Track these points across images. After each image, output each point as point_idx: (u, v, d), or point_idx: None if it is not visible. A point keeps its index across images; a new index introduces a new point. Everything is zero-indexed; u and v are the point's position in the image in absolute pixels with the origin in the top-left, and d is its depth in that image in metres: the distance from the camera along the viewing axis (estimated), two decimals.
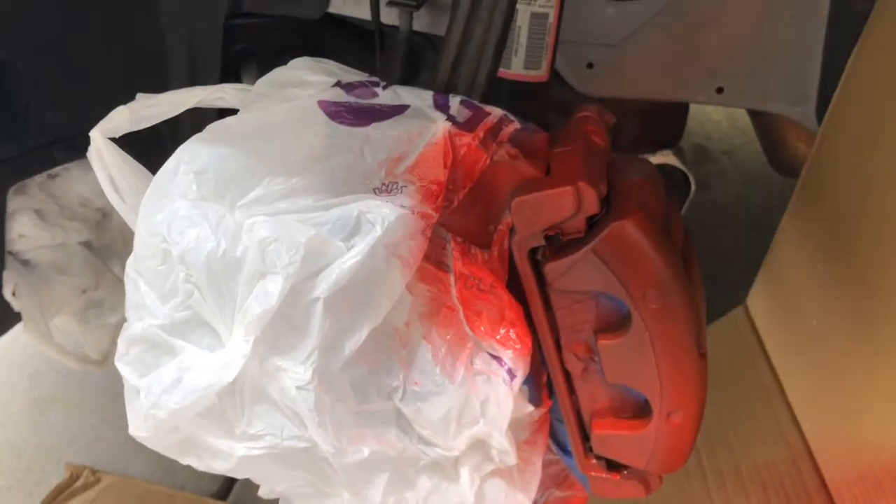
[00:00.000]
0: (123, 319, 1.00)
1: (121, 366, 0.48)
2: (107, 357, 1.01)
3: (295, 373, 0.46)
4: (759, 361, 0.91)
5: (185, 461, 0.49)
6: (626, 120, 0.98)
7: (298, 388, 0.46)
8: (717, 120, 1.98)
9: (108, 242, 1.01)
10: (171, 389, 0.45)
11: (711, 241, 1.56)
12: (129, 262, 0.49)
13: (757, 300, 0.97)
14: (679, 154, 0.99)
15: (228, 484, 1.14)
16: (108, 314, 1.00)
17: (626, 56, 0.87)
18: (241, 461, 0.47)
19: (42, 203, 0.92)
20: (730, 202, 1.75)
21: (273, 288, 0.45)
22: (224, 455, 0.47)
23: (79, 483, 1.11)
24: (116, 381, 1.31)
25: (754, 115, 1.10)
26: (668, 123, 0.99)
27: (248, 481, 1.12)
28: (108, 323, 1.00)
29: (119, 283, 1.03)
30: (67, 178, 0.93)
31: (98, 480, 1.12)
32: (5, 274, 0.87)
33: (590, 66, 0.88)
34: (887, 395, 0.65)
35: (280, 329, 0.47)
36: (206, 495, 1.12)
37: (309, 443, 0.47)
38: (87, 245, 0.99)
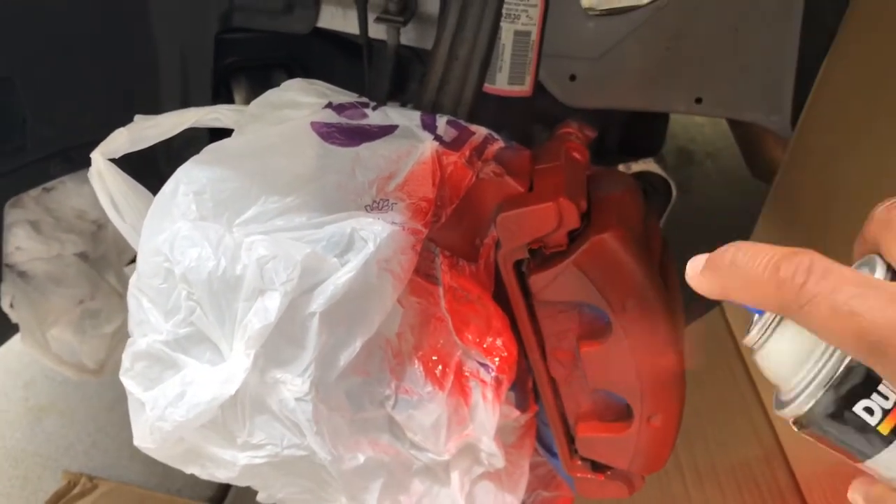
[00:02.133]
0: (119, 329, 1.03)
1: (126, 380, 0.50)
2: (103, 366, 1.03)
3: (293, 385, 0.49)
4: (735, 363, 0.94)
5: (189, 470, 0.51)
6: (610, 129, 1.01)
7: (297, 399, 0.49)
8: (700, 123, 2.01)
9: (103, 254, 1.03)
10: (176, 403, 0.47)
11: (695, 243, 1.59)
12: (132, 280, 0.52)
13: None
14: (661, 161, 1.02)
15: (224, 489, 1.16)
16: (104, 324, 1.02)
17: (608, 68, 0.90)
18: (244, 470, 0.50)
19: (38, 215, 0.94)
20: (713, 204, 1.79)
21: (272, 304, 0.47)
22: (227, 464, 0.50)
23: (76, 490, 1.13)
24: (112, 390, 1.32)
25: (733, 123, 1.13)
26: (649, 132, 1.02)
27: (243, 488, 1.14)
28: (104, 332, 1.02)
29: (114, 293, 1.04)
30: (63, 191, 0.94)
31: (95, 487, 1.13)
32: (3, 286, 0.89)
33: (572, 78, 0.91)
34: None
35: (278, 343, 0.49)
36: (203, 500, 1.14)
37: (308, 451, 0.50)
38: (82, 256, 1.00)
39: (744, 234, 1.00)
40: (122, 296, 1.04)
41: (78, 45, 0.81)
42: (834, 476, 0.68)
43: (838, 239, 0.75)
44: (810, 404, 0.32)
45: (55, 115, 0.83)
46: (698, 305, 1.07)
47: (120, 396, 1.26)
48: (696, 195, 1.80)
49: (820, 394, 0.32)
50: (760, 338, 0.34)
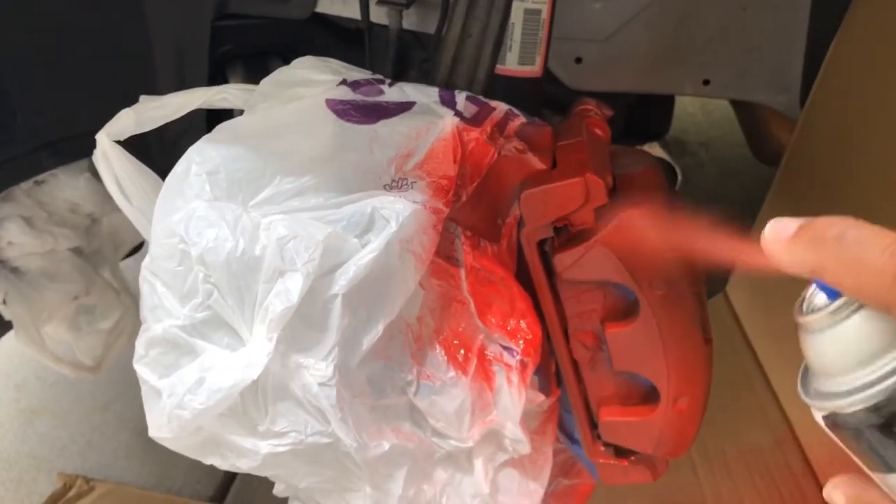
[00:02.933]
0: (116, 325, 1.00)
1: (140, 367, 0.48)
2: (100, 363, 1.00)
3: (317, 369, 0.47)
4: (741, 348, 0.93)
5: (208, 461, 0.49)
6: (615, 113, 1.00)
7: (320, 384, 0.47)
8: (692, 113, 2.01)
9: (97, 248, 1.00)
10: (195, 389, 0.45)
11: None
12: (145, 263, 0.49)
13: (737, 288, 0.99)
14: (666, 146, 1.01)
15: (224, 489, 1.14)
16: (99, 320, 0.99)
17: (614, 51, 0.88)
18: (266, 459, 0.47)
19: (30, 210, 0.91)
20: (707, 193, 1.78)
21: (293, 286, 0.45)
22: (249, 453, 0.47)
23: (72, 492, 1.10)
24: (106, 389, 1.29)
25: (737, 105, 1.13)
26: (655, 116, 1.01)
27: (244, 485, 1.12)
28: (100, 329, 1.00)
29: (110, 288, 1.02)
30: (55, 185, 0.92)
31: (92, 489, 1.10)
32: None
33: (579, 60, 0.89)
34: None
35: (299, 326, 0.47)
36: (203, 499, 1.11)
37: (332, 438, 0.48)
38: (76, 251, 0.98)
39: (739, 223, 0.99)
40: (117, 291, 1.02)
41: (68, 34, 0.79)
42: (850, 462, 0.67)
43: (849, 214, 0.74)
44: (862, 406, 0.29)
45: (45, 105, 0.80)
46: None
47: (114, 396, 1.24)
48: (691, 184, 1.79)
49: (880, 399, 0.28)
50: (830, 321, 0.30)
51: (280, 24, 0.94)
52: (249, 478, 1.14)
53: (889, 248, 0.27)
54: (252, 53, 0.99)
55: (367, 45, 0.88)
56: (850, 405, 0.29)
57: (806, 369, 0.33)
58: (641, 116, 1.00)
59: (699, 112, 2.00)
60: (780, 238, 0.30)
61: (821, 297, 0.31)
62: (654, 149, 0.99)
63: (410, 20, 0.88)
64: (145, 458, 1.16)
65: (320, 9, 0.91)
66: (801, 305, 0.33)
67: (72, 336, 0.97)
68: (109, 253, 1.01)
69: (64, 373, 0.94)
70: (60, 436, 1.21)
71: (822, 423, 0.32)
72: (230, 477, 1.13)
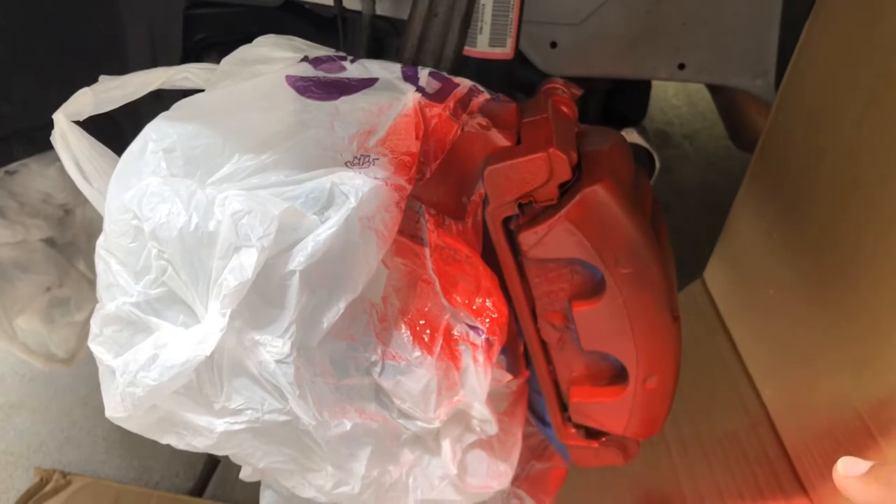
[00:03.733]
0: (90, 317, 0.99)
1: (94, 346, 0.47)
2: (74, 355, 0.99)
3: (273, 346, 0.46)
4: (717, 332, 0.93)
5: (164, 440, 0.48)
6: (591, 98, 1.00)
7: (278, 361, 0.46)
8: (677, 105, 2.01)
9: (71, 239, 0.99)
10: (148, 366, 0.44)
11: (674, 224, 1.59)
12: (100, 241, 0.49)
13: (714, 272, 0.99)
14: (643, 132, 1.00)
15: (204, 480, 1.13)
16: (74, 312, 0.98)
17: (589, 35, 0.88)
18: (222, 437, 0.47)
19: (1, 199, 0.90)
20: (692, 185, 1.78)
21: (248, 261, 0.44)
22: (204, 431, 0.47)
23: (49, 487, 1.09)
24: (84, 384, 1.28)
25: (715, 91, 1.12)
26: (631, 101, 1.00)
27: (223, 477, 1.11)
28: (74, 320, 0.98)
29: (84, 280, 1.01)
30: (27, 174, 0.91)
31: (69, 483, 1.09)
32: None
33: (553, 45, 0.89)
34: (843, 358, 0.67)
35: (256, 303, 0.46)
36: (182, 492, 1.10)
37: (290, 416, 0.47)
38: (49, 242, 0.97)
39: (721, 213, 0.99)
40: (92, 282, 1.00)
41: (36, 20, 0.78)
42: (823, 439, 0.67)
43: (823, 203, 0.74)
44: None
45: (15, 92, 0.79)
46: (684, 283, 1.06)
47: (93, 390, 1.23)
48: (675, 176, 1.79)
49: None
50: None
51: (254, 12, 0.94)
52: (228, 471, 1.14)
53: None
54: (227, 42, 0.98)
55: (340, 31, 0.88)
56: None
57: None
58: (618, 102, 0.99)
59: (684, 105, 2.00)
60: (851, 475, 0.35)
61: None
62: (631, 135, 0.98)
63: (384, 6, 0.87)
64: (124, 453, 1.15)
65: None
66: None
67: (45, 328, 0.96)
68: (84, 244, 1.00)
69: (37, 365, 0.93)
70: (39, 431, 1.20)
71: None
72: (209, 470, 1.13)
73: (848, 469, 0.36)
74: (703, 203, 1.70)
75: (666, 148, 1.88)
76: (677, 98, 2.01)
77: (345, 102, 0.53)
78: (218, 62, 0.97)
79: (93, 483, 1.10)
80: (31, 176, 0.91)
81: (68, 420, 1.21)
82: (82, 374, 1.21)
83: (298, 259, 0.47)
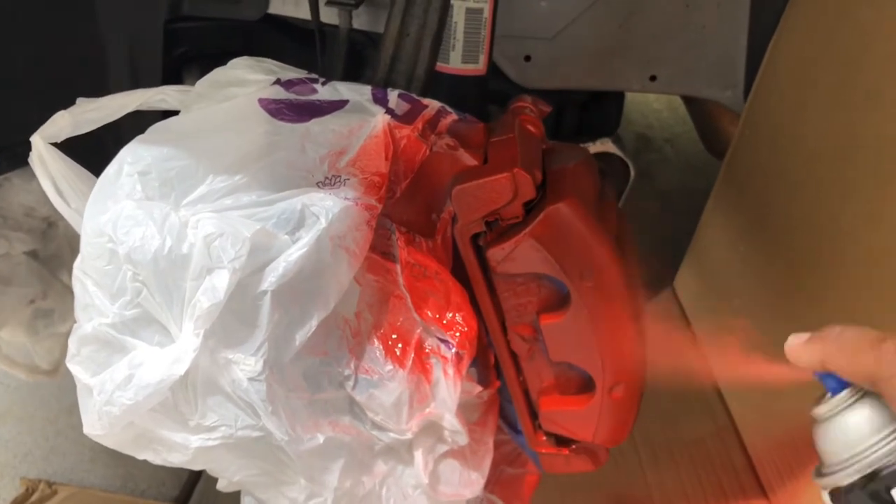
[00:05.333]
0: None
1: (72, 366, 0.49)
2: (58, 367, 1.00)
3: (246, 365, 0.47)
4: (686, 341, 0.95)
5: (141, 456, 0.50)
6: (566, 110, 1.01)
7: (250, 379, 0.47)
8: (658, 109, 2.03)
9: (54, 252, 1.00)
10: (124, 386, 0.45)
11: (655, 228, 1.61)
12: (77, 263, 0.50)
13: (683, 281, 1.01)
14: (618, 142, 1.02)
15: (189, 489, 1.14)
16: (58, 323, 0.99)
17: (562, 48, 0.90)
18: (197, 453, 0.48)
19: None
20: (672, 189, 1.80)
21: (220, 282, 0.46)
22: (180, 447, 0.48)
23: (35, 496, 1.09)
24: (70, 393, 1.28)
25: (688, 101, 1.14)
26: (606, 112, 1.02)
27: (209, 485, 1.12)
28: (58, 332, 0.99)
29: (68, 292, 1.01)
30: (9, 189, 0.92)
31: (55, 493, 1.10)
32: None
33: (527, 59, 0.91)
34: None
35: (230, 323, 0.48)
36: (167, 501, 1.12)
37: (263, 432, 0.48)
38: (33, 255, 0.97)
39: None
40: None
41: (16, 36, 0.78)
42: (784, 446, 0.69)
43: (787, 214, 0.76)
44: (857, 477, 0.36)
45: None
46: (649, 287, 1.08)
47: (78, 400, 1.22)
48: (656, 180, 1.81)
49: (873, 469, 0.35)
50: (835, 409, 0.38)
51: (235, 26, 0.95)
52: (213, 480, 1.15)
53: (874, 338, 0.36)
54: (208, 56, 0.99)
55: (318, 45, 0.89)
56: (848, 476, 0.36)
57: (819, 463, 0.40)
58: (593, 113, 1.01)
59: (665, 108, 2.02)
60: (798, 343, 0.40)
61: (827, 395, 0.39)
62: (607, 145, 1.00)
63: (361, 20, 0.89)
64: (109, 461, 1.16)
65: (273, 10, 0.91)
66: (814, 408, 0.40)
67: (29, 340, 0.97)
68: (67, 256, 1.01)
69: (20, 377, 0.94)
70: (24, 441, 1.21)
71: (827, 500, 0.38)
72: (194, 478, 1.14)
73: (795, 339, 0.40)
74: (684, 207, 1.72)
75: (647, 152, 1.90)
76: (658, 102, 2.03)
77: (316, 124, 0.55)
78: (199, 76, 0.98)
79: (79, 492, 1.11)
80: (13, 190, 0.92)
81: (54, 429, 1.22)
82: (67, 383, 1.21)
83: (270, 279, 0.48)
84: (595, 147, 1.00)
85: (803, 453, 0.65)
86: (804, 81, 0.77)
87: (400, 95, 0.58)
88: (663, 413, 0.85)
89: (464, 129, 0.58)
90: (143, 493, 1.13)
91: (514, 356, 0.62)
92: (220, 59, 1.00)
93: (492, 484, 0.68)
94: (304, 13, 0.89)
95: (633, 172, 1.03)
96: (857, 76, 0.67)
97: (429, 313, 0.57)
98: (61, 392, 1.26)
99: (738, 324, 0.82)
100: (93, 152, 0.64)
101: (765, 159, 0.83)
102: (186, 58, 0.97)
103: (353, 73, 0.89)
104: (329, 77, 0.65)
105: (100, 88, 0.87)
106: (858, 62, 0.68)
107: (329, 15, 0.87)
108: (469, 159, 0.56)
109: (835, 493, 0.37)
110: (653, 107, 2.02)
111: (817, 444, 0.40)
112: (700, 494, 0.75)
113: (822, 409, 0.39)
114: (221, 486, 0.58)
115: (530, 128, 0.60)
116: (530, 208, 0.55)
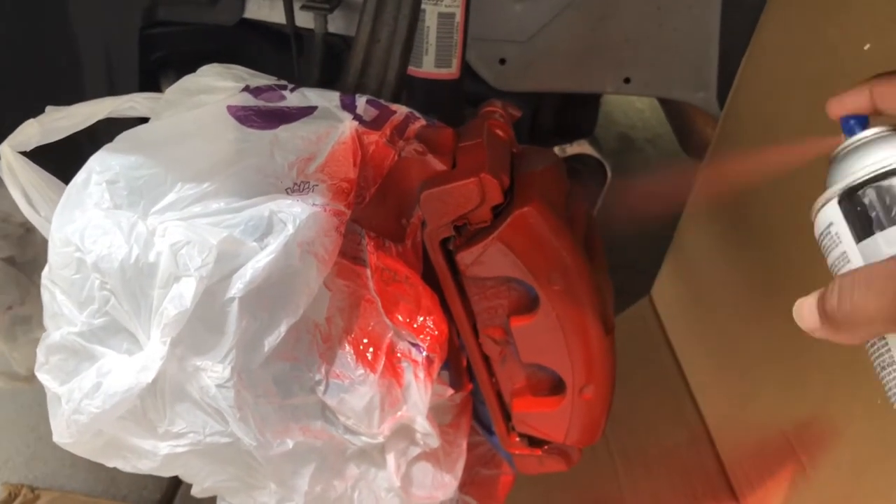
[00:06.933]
0: None
1: (41, 375, 0.49)
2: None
3: (214, 371, 0.48)
4: (663, 349, 0.96)
5: (111, 464, 0.50)
6: (542, 112, 1.02)
7: (218, 386, 0.48)
8: (640, 109, 2.04)
9: (32, 258, 1.00)
10: (92, 394, 0.46)
11: (637, 229, 1.61)
12: (45, 272, 0.50)
13: (661, 289, 1.02)
14: (595, 143, 1.03)
15: (171, 494, 1.14)
16: (36, 329, 0.99)
17: (537, 51, 0.90)
18: (166, 459, 0.48)
19: None
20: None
21: (187, 290, 0.46)
22: (149, 454, 0.48)
23: (17, 501, 1.09)
24: None
25: (664, 102, 1.15)
26: (582, 114, 1.03)
27: (190, 489, 1.12)
28: (36, 338, 0.98)
29: None
30: None
31: (37, 497, 1.10)
32: None
33: (502, 61, 0.91)
34: (778, 376, 0.70)
35: (197, 330, 0.48)
36: None
37: (231, 438, 0.49)
38: (10, 261, 0.97)
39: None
40: None
41: None
42: (755, 456, 0.70)
43: (764, 222, 0.77)
44: (870, 176, 0.37)
45: None
46: (627, 295, 1.09)
47: None
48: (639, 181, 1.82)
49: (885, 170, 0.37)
50: (859, 139, 0.40)
51: (211, 31, 0.95)
52: None
53: None
54: (185, 61, 0.99)
55: (294, 49, 0.90)
56: (865, 171, 0.38)
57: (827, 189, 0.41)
58: (569, 115, 1.02)
59: (647, 108, 2.03)
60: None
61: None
62: (584, 146, 1.01)
63: (336, 24, 0.89)
64: (91, 466, 1.15)
65: (248, 14, 0.91)
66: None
67: (6, 346, 0.97)
68: (45, 262, 1.01)
69: None
70: (6, 447, 1.21)
71: (834, 204, 0.40)
72: (176, 482, 1.14)
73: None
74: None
75: (629, 152, 1.91)
76: (641, 102, 2.04)
77: (284, 130, 0.55)
78: (176, 80, 0.98)
79: (61, 497, 1.11)
80: None
81: (34, 435, 1.21)
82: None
83: (237, 286, 0.49)
84: (572, 149, 1.01)
85: (770, 462, 0.66)
86: (777, 93, 0.78)
87: (368, 101, 0.58)
88: (638, 422, 0.86)
89: (432, 134, 0.58)
90: (125, 498, 1.13)
91: (486, 359, 0.62)
92: (197, 64, 1.00)
93: (467, 485, 0.69)
94: (279, 17, 0.89)
95: (609, 173, 1.04)
96: (826, 92, 0.69)
97: (399, 317, 0.58)
98: (41, 398, 1.24)
99: (714, 330, 0.83)
100: (69, 158, 0.64)
101: (744, 164, 0.84)
102: (163, 63, 0.97)
103: (332, 77, 0.90)
104: (306, 81, 0.65)
105: (76, 93, 0.88)
106: (829, 75, 0.69)
107: (305, 19, 0.87)
108: (438, 164, 0.56)
109: (848, 192, 0.38)
110: (636, 106, 2.03)
111: (833, 174, 0.41)
112: (672, 499, 0.75)
113: (843, 144, 0.40)
114: (195, 491, 0.58)
115: (499, 132, 0.61)
116: (498, 212, 0.55)
